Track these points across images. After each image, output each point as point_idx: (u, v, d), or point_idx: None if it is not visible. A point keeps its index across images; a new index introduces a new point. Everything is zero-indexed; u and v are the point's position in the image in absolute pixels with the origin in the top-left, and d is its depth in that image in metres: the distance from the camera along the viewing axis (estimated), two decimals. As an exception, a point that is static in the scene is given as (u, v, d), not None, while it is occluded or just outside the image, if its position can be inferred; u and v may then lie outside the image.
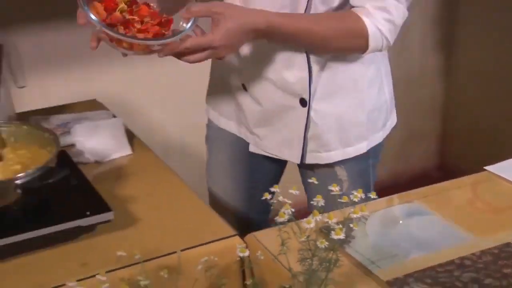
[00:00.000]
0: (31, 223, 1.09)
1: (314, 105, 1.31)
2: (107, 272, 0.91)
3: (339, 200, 0.89)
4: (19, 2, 1.80)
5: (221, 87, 1.42)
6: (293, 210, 0.85)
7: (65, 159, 1.27)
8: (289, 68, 1.28)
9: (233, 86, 1.39)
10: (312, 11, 1.23)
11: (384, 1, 1.20)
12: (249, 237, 1.10)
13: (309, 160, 1.36)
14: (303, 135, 1.32)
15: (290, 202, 0.87)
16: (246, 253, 0.88)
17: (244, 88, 1.36)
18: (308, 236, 0.83)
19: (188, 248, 1.07)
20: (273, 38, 1.21)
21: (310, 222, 0.83)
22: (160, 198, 1.30)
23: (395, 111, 1.45)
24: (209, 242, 1.11)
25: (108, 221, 1.13)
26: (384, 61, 1.38)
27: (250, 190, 1.48)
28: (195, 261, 0.94)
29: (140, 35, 1.13)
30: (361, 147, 1.36)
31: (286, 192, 0.91)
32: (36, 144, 1.22)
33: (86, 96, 1.72)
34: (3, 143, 1.22)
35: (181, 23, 1.16)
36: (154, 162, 1.42)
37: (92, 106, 1.66)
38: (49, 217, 1.13)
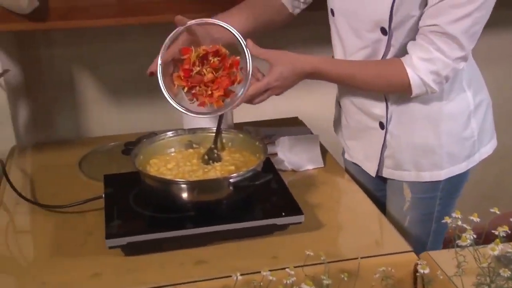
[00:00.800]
0: (237, 216, 1.14)
1: (390, 128, 1.29)
2: (295, 267, 0.92)
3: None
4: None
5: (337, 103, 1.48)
6: (474, 236, 0.79)
7: (269, 165, 1.30)
8: (370, 96, 1.29)
9: (336, 102, 1.45)
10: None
11: (431, 54, 1.14)
12: (424, 255, 1.04)
13: (384, 174, 1.35)
14: (379, 153, 1.32)
15: (470, 227, 0.82)
16: (427, 270, 0.83)
17: (340, 106, 1.41)
18: (489, 263, 0.77)
19: (368, 257, 1.05)
20: (321, 79, 1.22)
21: (495, 250, 0.77)
22: (345, 207, 1.29)
23: (494, 141, 1.35)
24: (387, 254, 1.08)
25: (299, 222, 1.14)
26: (479, 95, 1.29)
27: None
28: (373, 269, 0.92)
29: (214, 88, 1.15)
30: (437, 175, 1.29)
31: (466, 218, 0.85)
32: (248, 150, 1.26)
33: (289, 113, 1.76)
34: (223, 147, 1.28)
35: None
36: (341, 175, 1.41)
37: (293, 122, 1.70)
38: (251, 213, 1.17)
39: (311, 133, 1.60)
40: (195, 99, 1.16)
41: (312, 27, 1.70)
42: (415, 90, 1.18)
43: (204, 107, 1.15)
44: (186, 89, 1.16)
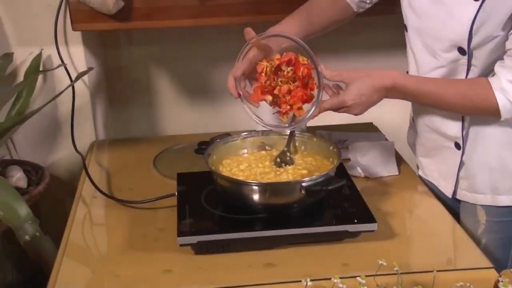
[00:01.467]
0: (308, 221, 1.12)
1: (467, 149, 1.21)
2: (366, 276, 0.90)
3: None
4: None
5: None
6: None
7: (342, 171, 1.28)
8: (446, 115, 1.21)
9: (411, 118, 1.40)
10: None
11: None
12: (506, 272, 0.99)
13: (459, 196, 1.27)
14: (456, 173, 1.24)
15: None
16: (509, 289, 0.79)
17: (413, 122, 1.36)
18: None
19: (444, 270, 1.01)
20: (400, 96, 1.15)
21: None
22: (420, 218, 1.25)
23: None
24: (466, 269, 1.03)
25: (372, 231, 1.11)
26: None
27: None
28: (449, 284, 0.88)
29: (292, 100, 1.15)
30: None
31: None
32: (321, 155, 1.25)
33: (364, 119, 1.72)
34: (296, 150, 1.27)
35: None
36: (416, 184, 1.37)
37: (368, 128, 1.66)
38: (323, 218, 1.15)
39: (386, 139, 1.56)
40: (277, 108, 1.18)
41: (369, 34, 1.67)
42: (505, 115, 1.12)
43: (287, 115, 1.17)
44: (269, 101, 1.17)
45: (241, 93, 1.18)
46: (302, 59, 1.15)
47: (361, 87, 1.12)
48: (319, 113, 1.16)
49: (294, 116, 1.18)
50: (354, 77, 1.14)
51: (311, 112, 1.16)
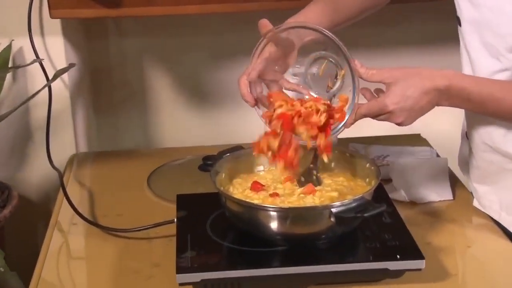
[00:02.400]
0: (338, 256, 1.12)
1: None
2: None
3: None
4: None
5: None
6: None
7: (381, 194, 1.28)
8: (508, 128, 1.19)
9: (463, 133, 1.38)
10: None
11: None
12: None
13: None
14: None
15: None
16: None
17: (467, 137, 1.32)
18: None
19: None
20: (455, 101, 1.13)
21: None
22: (479, 255, 1.25)
23: None
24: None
25: (419, 269, 1.11)
26: None
27: None
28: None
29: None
30: None
31: None
32: (356, 173, 1.25)
33: (410, 129, 1.72)
34: (324, 167, 1.27)
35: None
36: (475, 212, 1.36)
37: (415, 141, 1.66)
38: (357, 253, 1.15)
39: (438, 155, 1.56)
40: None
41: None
42: None
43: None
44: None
45: (256, 99, 1.19)
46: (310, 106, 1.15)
47: (406, 88, 1.11)
48: (354, 121, 1.16)
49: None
50: (397, 76, 1.13)
51: (344, 120, 1.16)
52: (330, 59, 1.19)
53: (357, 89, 1.16)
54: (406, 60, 1.84)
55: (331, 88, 1.20)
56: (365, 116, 1.15)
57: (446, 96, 1.13)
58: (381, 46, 1.83)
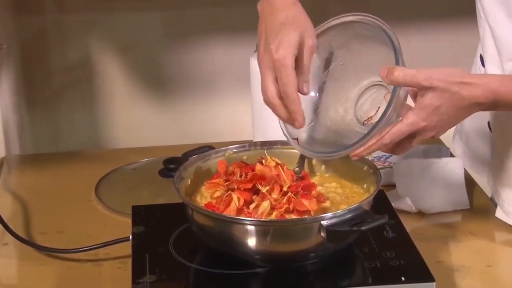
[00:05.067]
0: (331, 278, 1.13)
1: None
2: None
3: None
4: None
5: None
6: None
7: (383, 203, 1.30)
8: None
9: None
10: None
11: None
12: None
13: None
14: None
15: None
16: None
17: (490, 129, 1.35)
18: None
19: None
20: (499, 109, 1.15)
21: None
22: (503, 276, 1.27)
23: None
24: None
25: (428, 294, 1.13)
26: None
27: None
28: None
29: None
30: None
31: None
32: (350, 178, 1.26)
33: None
34: (313, 171, 1.28)
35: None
36: (497, 224, 1.37)
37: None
38: (353, 274, 1.16)
39: (452, 155, 1.58)
40: None
41: None
42: None
43: None
44: None
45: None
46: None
47: (440, 103, 1.09)
48: (383, 148, 1.15)
49: None
50: (434, 88, 1.09)
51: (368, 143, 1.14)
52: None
53: (391, 105, 1.11)
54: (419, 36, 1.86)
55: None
56: (392, 141, 1.13)
57: (488, 107, 1.14)
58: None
